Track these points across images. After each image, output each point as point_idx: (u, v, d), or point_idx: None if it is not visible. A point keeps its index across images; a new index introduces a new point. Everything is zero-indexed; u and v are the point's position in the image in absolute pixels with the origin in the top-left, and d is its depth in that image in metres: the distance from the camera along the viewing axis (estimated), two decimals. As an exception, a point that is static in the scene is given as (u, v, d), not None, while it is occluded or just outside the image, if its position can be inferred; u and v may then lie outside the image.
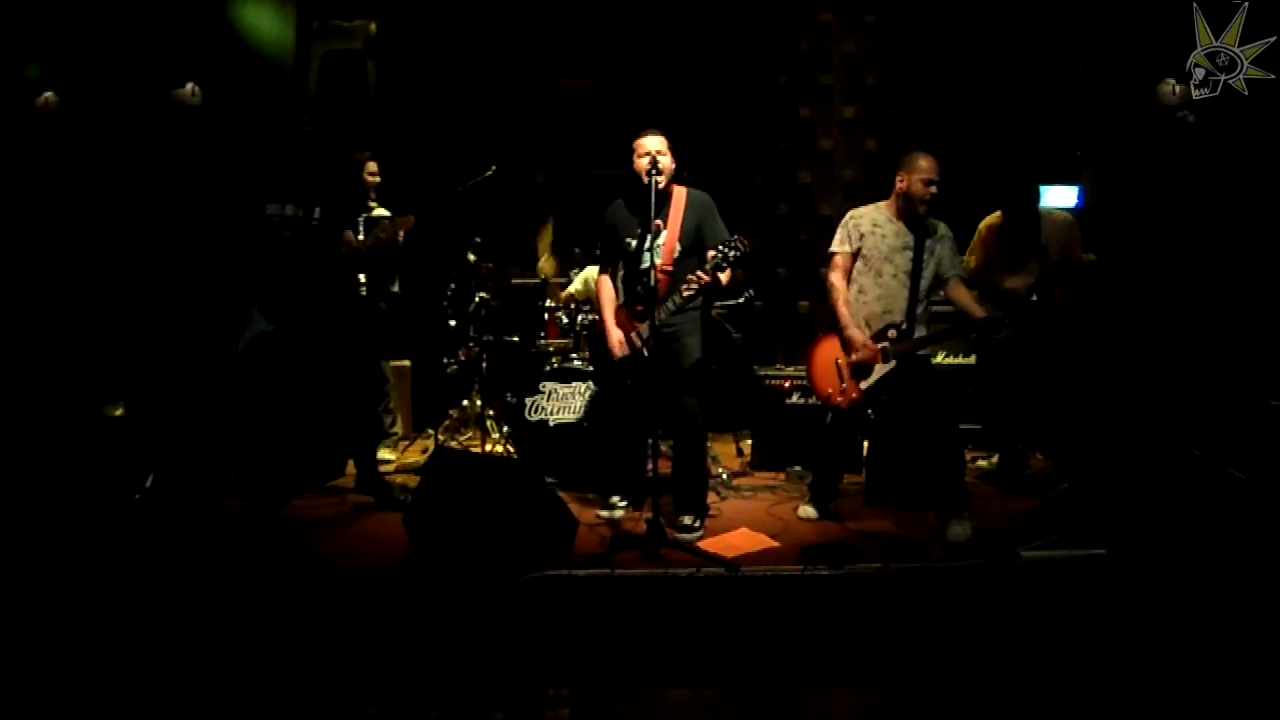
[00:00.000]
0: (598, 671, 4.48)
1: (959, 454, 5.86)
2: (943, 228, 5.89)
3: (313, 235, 6.05)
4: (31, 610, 4.72)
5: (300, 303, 6.04)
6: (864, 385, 5.85)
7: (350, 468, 7.24)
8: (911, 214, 5.82)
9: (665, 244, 5.70)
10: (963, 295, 5.86)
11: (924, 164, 5.77)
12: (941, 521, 5.68)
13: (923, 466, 5.90)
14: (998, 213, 6.85)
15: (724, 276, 5.55)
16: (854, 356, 5.81)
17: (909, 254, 5.81)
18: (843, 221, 6.03)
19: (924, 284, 5.81)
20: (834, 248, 6.01)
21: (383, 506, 6.25)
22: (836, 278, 5.96)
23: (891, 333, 5.78)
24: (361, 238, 6.31)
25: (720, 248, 5.48)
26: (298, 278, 6.03)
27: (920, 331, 5.83)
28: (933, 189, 5.74)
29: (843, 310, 5.88)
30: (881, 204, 5.99)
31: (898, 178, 5.86)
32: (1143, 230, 7.46)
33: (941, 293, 5.95)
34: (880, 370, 5.81)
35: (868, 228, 5.89)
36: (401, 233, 6.46)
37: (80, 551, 5.21)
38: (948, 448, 5.75)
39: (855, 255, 5.93)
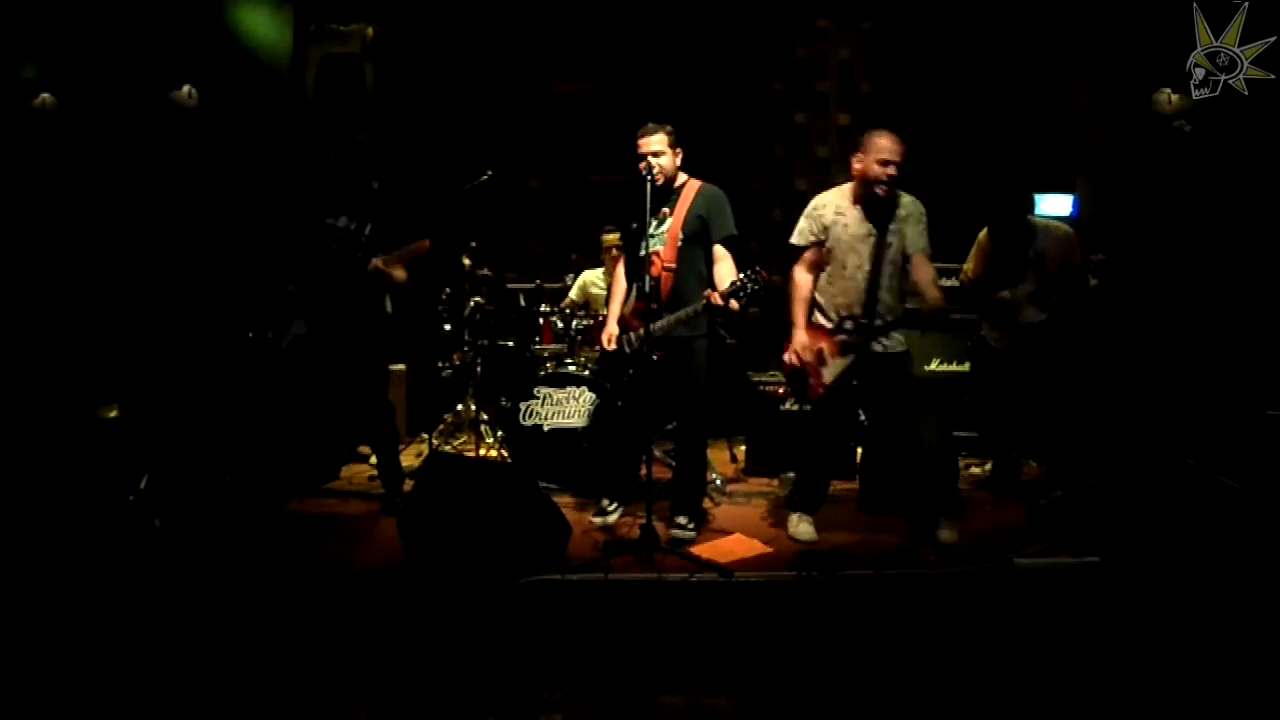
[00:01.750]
0: (591, 676, 4.48)
1: (949, 455, 5.80)
2: (908, 204, 5.60)
3: (361, 250, 6.07)
4: (25, 611, 4.72)
5: (338, 311, 6.11)
6: (826, 380, 5.69)
7: (344, 470, 7.28)
8: (870, 198, 5.58)
9: (669, 232, 5.69)
10: (922, 275, 5.64)
11: (881, 142, 5.49)
12: (923, 524, 5.69)
13: (909, 466, 5.83)
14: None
15: (735, 304, 5.44)
16: (801, 354, 5.68)
17: (872, 241, 5.58)
18: (806, 210, 5.81)
19: (886, 271, 5.58)
20: (794, 239, 5.83)
21: (386, 510, 6.24)
22: (799, 272, 5.80)
23: (849, 324, 5.62)
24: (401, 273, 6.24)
25: (742, 276, 5.39)
26: (339, 288, 6.08)
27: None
28: (890, 170, 5.47)
29: (793, 308, 5.75)
30: (845, 187, 5.75)
31: (854, 159, 5.64)
32: (1137, 239, 7.49)
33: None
34: (837, 365, 5.65)
35: (831, 217, 5.67)
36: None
37: (75, 553, 5.21)
38: (934, 447, 5.70)
39: (820, 246, 5.71)
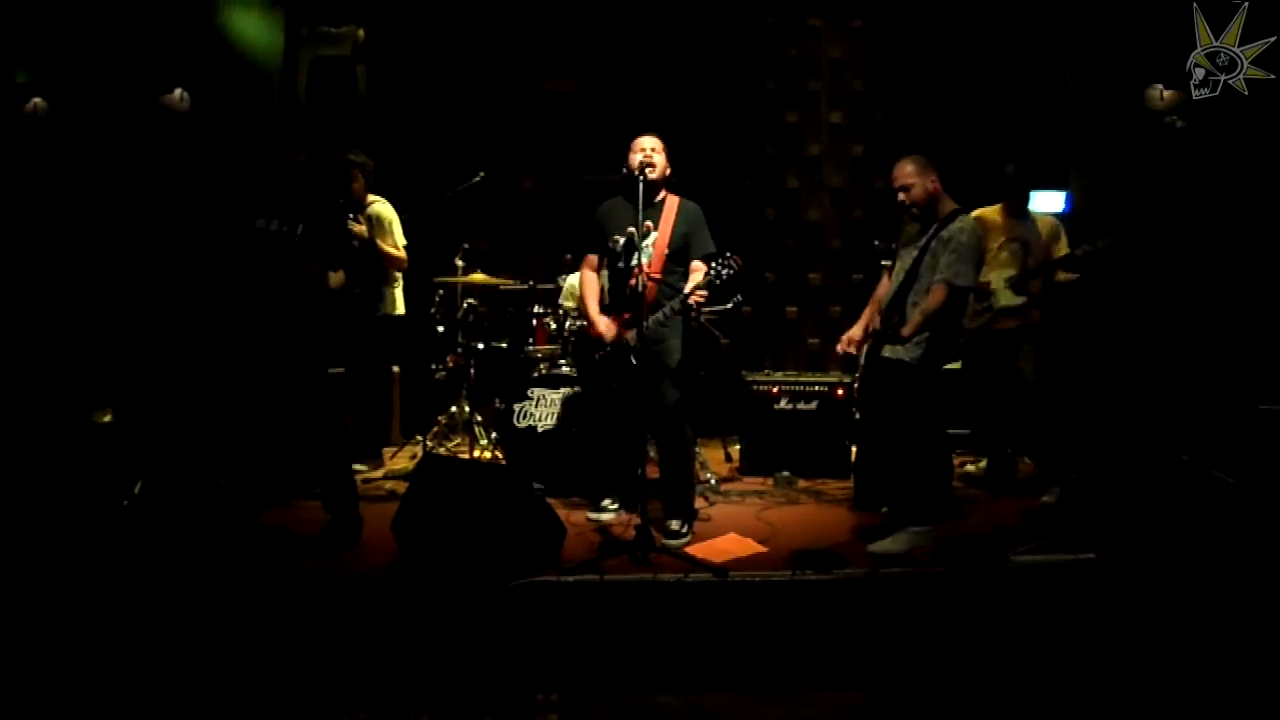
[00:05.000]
0: (587, 677, 4.48)
1: (928, 464, 5.63)
2: (951, 230, 5.47)
3: (294, 253, 5.74)
4: (19, 616, 4.71)
5: (270, 316, 5.81)
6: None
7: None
8: (919, 216, 5.65)
9: (655, 246, 5.72)
10: (920, 303, 5.50)
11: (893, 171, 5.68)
12: (891, 523, 5.67)
13: (894, 470, 5.83)
14: (990, 207, 6.84)
15: (706, 295, 5.60)
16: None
17: (914, 253, 5.58)
18: None
19: (918, 285, 5.51)
20: None
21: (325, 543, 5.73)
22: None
23: (872, 327, 5.71)
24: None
25: (715, 264, 5.49)
26: (271, 293, 5.78)
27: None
28: (899, 195, 5.59)
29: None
30: None
31: None
32: (1130, 234, 7.49)
33: None
34: (862, 362, 5.86)
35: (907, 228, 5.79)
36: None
37: (69, 558, 5.20)
38: (913, 455, 5.60)
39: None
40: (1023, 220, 6.75)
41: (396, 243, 7.35)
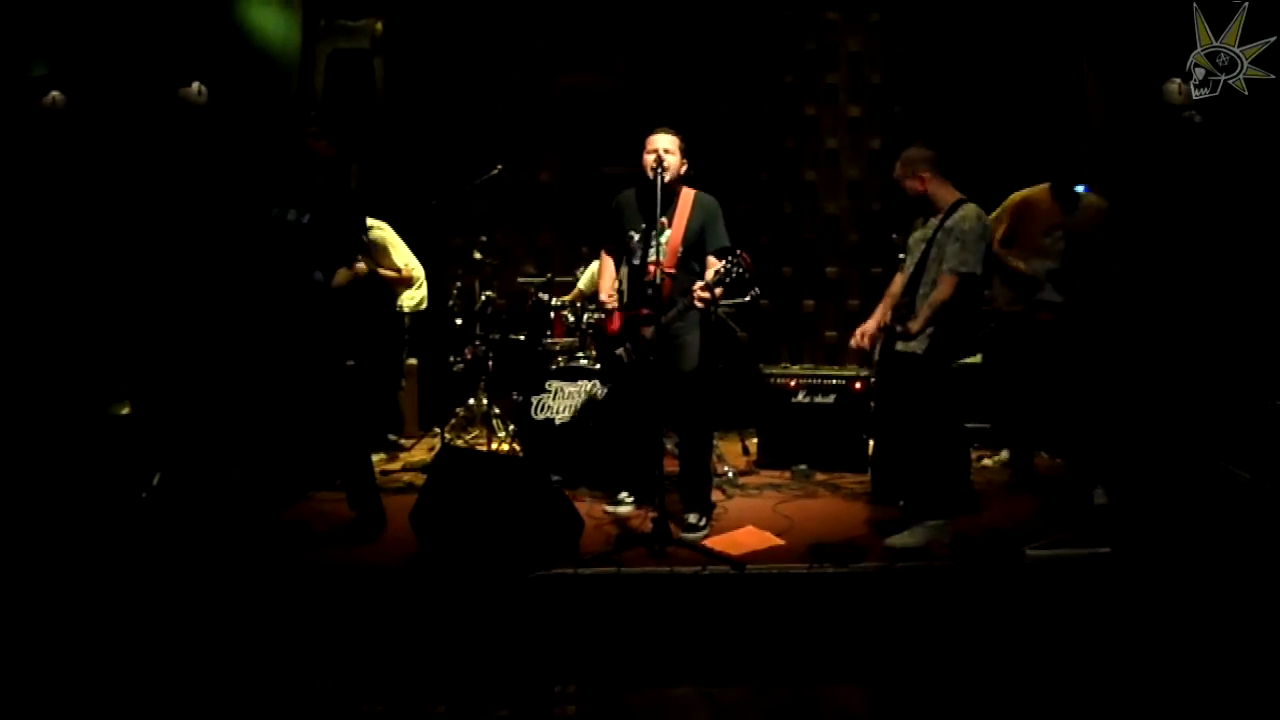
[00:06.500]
0: (604, 669, 4.49)
1: (944, 459, 5.66)
2: (955, 219, 5.46)
3: (309, 245, 5.63)
4: (38, 609, 4.74)
5: (293, 309, 5.71)
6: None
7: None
8: (924, 209, 5.67)
9: (669, 243, 5.69)
10: (928, 295, 5.50)
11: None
12: (908, 517, 5.63)
13: (910, 465, 5.81)
14: (1037, 187, 6.64)
15: (720, 292, 5.58)
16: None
17: (924, 246, 5.57)
18: None
19: (925, 278, 5.52)
20: None
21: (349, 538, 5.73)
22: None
23: (885, 322, 5.69)
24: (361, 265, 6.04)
25: (725, 263, 5.46)
26: (292, 285, 5.69)
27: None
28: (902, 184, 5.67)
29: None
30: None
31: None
32: (1148, 230, 7.47)
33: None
34: (875, 355, 5.87)
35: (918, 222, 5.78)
36: None
37: (87, 550, 5.22)
38: (929, 449, 5.62)
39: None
40: (1070, 209, 6.50)
41: (395, 264, 7.38)
